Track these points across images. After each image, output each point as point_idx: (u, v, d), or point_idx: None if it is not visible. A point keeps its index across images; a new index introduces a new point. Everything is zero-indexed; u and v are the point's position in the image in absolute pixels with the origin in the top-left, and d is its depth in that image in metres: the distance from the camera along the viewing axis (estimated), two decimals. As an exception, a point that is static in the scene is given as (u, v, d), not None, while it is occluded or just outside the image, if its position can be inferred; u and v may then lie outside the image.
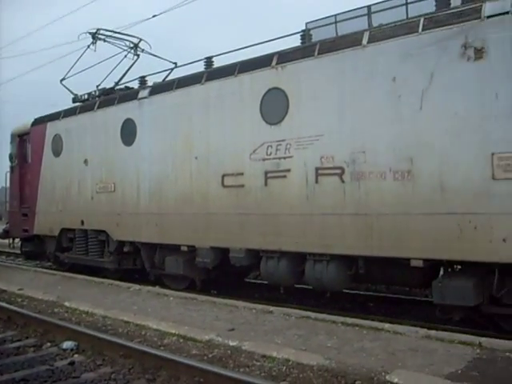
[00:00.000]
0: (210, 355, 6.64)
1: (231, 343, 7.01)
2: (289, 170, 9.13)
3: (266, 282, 11.23)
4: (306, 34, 9.75)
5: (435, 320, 8.42)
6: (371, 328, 7.43)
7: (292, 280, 9.72)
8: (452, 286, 7.49)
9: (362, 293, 11.42)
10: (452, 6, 7.97)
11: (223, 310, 8.88)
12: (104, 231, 13.29)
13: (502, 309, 7.60)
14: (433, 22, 7.74)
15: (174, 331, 7.67)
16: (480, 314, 7.97)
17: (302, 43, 9.72)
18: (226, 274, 11.72)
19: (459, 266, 7.98)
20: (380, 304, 10.58)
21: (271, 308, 8.82)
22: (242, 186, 9.87)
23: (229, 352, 6.71)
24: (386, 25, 8.37)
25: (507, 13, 7.04)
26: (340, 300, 10.60)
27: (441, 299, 7.63)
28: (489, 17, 7.19)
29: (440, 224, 7.39)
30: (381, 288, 11.61)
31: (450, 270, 8.08)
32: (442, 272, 8.17)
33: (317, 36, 9.58)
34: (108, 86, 14.52)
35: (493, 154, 7.00)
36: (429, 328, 7.37)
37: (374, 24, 8.81)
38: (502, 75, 7.02)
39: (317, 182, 8.74)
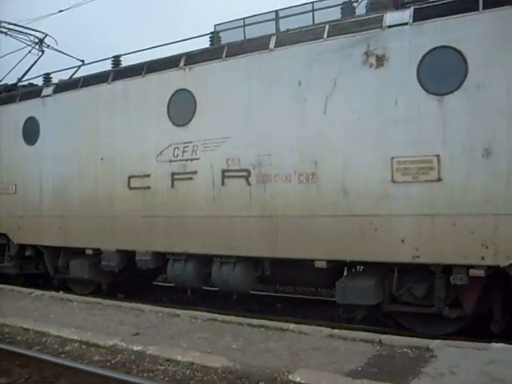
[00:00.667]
0: (113, 361, 6.47)
1: (135, 348, 6.85)
2: (195, 172, 9.09)
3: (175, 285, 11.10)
4: (214, 36, 9.76)
5: (340, 319, 8.65)
6: (277, 329, 7.49)
7: (199, 282, 9.68)
8: (354, 286, 7.72)
9: (270, 294, 11.53)
10: (357, 14, 8.23)
11: (129, 315, 8.69)
12: (4, 234, 12.68)
13: (401, 306, 7.89)
14: (337, 29, 7.95)
15: (76, 337, 7.40)
16: (381, 313, 8.26)
17: (210, 45, 9.71)
18: (134, 278, 11.51)
19: (362, 267, 8.20)
20: (288, 305, 10.73)
21: (178, 311, 8.71)
22: (149, 187, 9.73)
23: (133, 357, 6.56)
24: (293, 30, 8.51)
25: (406, 24, 7.35)
26: (248, 301, 10.66)
27: (343, 299, 7.84)
28: (390, 26, 7.48)
29: (343, 226, 7.60)
30: (289, 289, 11.78)
31: (353, 270, 8.31)
32: (345, 273, 8.38)
33: (226, 38, 9.61)
34: (10, 83, 13.86)
35: (392, 158, 7.29)
36: (333, 327, 7.52)
37: (282, 29, 8.94)
38: (401, 82, 7.32)
39: (223, 184, 8.75)
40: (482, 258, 6.84)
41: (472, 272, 6.97)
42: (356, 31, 7.73)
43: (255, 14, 9.53)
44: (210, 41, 9.82)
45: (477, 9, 6.95)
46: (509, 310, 7.54)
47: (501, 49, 6.78)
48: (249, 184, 8.48)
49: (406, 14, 7.43)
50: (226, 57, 8.92)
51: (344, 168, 7.64)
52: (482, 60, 6.88)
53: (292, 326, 7.58)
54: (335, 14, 8.49)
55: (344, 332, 7.21)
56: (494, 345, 6.46)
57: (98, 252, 10.70)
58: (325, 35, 7.98)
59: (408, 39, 7.33)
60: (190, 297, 10.44)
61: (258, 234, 8.39)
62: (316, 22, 8.54)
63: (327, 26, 8.05)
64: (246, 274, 8.93)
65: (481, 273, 6.92)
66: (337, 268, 8.23)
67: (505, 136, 6.72)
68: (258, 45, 8.64)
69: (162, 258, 9.82)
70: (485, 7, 6.91)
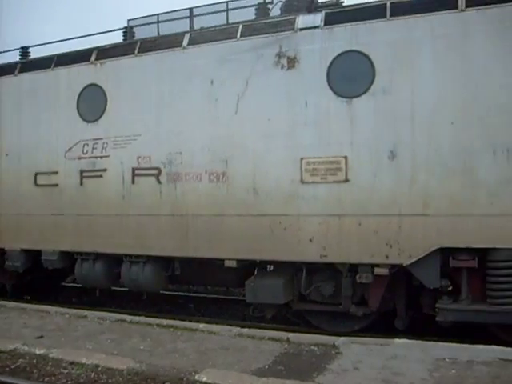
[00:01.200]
0: (13, 366, 6.20)
1: (38, 351, 6.59)
2: (105, 170, 8.87)
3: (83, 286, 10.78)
4: (127, 32, 9.56)
5: (252, 318, 8.69)
6: (186, 329, 7.44)
7: (108, 282, 9.45)
8: (263, 286, 7.77)
9: (181, 294, 11.42)
10: (271, 15, 8.28)
11: (33, 317, 8.35)
12: None
13: (309, 305, 8.03)
14: (251, 29, 7.99)
15: (-28, 343, 7.04)
16: (291, 311, 8.39)
17: (123, 40, 9.50)
18: (42, 279, 11.07)
19: (272, 266, 8.27)
20: (200, 305, 10.67)
21: (85, 312, 8.46)
22: (56, 185, 9.39)
23: (34, 361, 6.31)
24: (207, 28, 8.47)
25: (318, 27, 7.47)
26: (158, 302, 10.51)
27: (253, 298, 7.89)
28: (302, 29, 7.59)
29: (253, 225, 7.64)
30: (201, 289, 11.71)
31: (264, 270, 8.36)
32: (256, 272, 8.42)
33: (139, 34, 9.42)
34: None
35: (302, 159, 7.39)
36: (242, 326, 7.56)
37: (196, 27, 8.87)
38: (311, 84, 7.43)
39: (133, 182, 8.58)
40: (387, 256, 7.07)
41: (377, 271, 7.18)
42: (269, 32, 7.80)
43: (169, 10, 9.43)
44: (123, 36, 9.61)
45: (384, 16, 7.18)
46: (412, 306, 7.83)
47: (406, 56, 7.03)
48: (159, 182, 8.36)
49: (318, 18, 7.57)
50: (138, 53, 8.76)
51: (254, 168, 7.69)
52: (389, 65, 7.10)
53: (202, 325, 7.55)
54: (249, 14, 8.52)
55: (253, 331, 7.25)
56: (397, 340, 6.69)
57: (1, 252, 10.23)
58: (238, 35, 8.00)
59: (319, 42, 7.46)
60: (99, 298, 10.17)
61: (169, 233, 8.29)
62: (230, 21, 8.53)
63: (240, 26, 8.07)
64: (157, 274, 8.79)
65: (385, 271, 7.15)
66: (247, 267, 8.26)
67: (409, 139, 6.97)
68: (171, 42, 8.54)
69: (70, 257, 9.50)
70: (392, 15, 7.14)
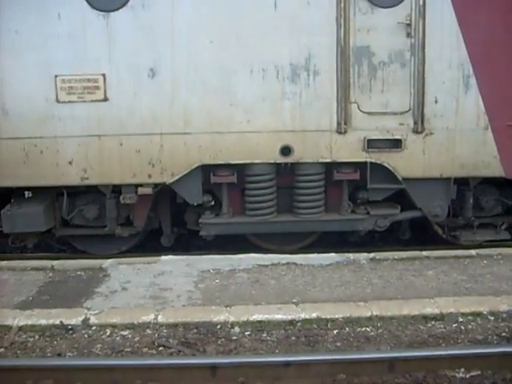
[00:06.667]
0: None
1: None
2: None
3: None
4: None
5: (13, 249, 8.18)
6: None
7: None
8: (21, 214, 7.26)
9: None
10: None
11: None
12: None
13: (73, 230, 7.79)
14: None
15: None
16: (55, 238, 8.06)
17: None
18: None
19: (30, 193, 7.76)
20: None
21: None
22: None
23: None
24: None
25: None
26: None
27: (11, 228, 7.35)
28: None
29: (4, 150, 6.99)
30: None
31: (21, 197, 7.80)
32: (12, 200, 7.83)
33: None
34: None
35: (56, 76, 6.88)
36: (1, 259, 7.07)
37: None
38: None
39: None
40: (149, 176, 7.06)
41: (140, 190, 7.15)
42: None
43: None
44: None
45: None
46: (176, 223, 8.04)
47: None
48: None
49: None
50: None
51: (2, 86, 6.92)
52: None
53: None
54: None
55: (13, 263, 6.86)
56: (163, 258, 6.88)
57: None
58: None
59: None
60: None
61: None
62: None
63: None
64: None
65: (149, 191, 7.15)
66: (2, 196, 7.64)
67: (170, 57, 6.88)
68: None
69: None
70: None
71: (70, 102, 6.90)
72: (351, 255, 6.78)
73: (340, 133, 7.01)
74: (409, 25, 6.85)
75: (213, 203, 7.44)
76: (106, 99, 6.92)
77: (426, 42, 6.89)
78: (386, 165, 7.08)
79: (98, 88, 6.89)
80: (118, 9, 6.84)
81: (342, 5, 6.78)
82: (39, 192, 7.43)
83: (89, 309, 5.38)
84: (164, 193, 7.46)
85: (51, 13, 6.84)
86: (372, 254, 6.80)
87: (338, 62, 6.89)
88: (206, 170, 7.15)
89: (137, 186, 7.16)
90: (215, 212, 7.44)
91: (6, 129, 6.98)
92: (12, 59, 6.91)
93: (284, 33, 6.86)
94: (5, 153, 7.02)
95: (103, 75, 6.88)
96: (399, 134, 7.04)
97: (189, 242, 8.46)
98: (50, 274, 6.44)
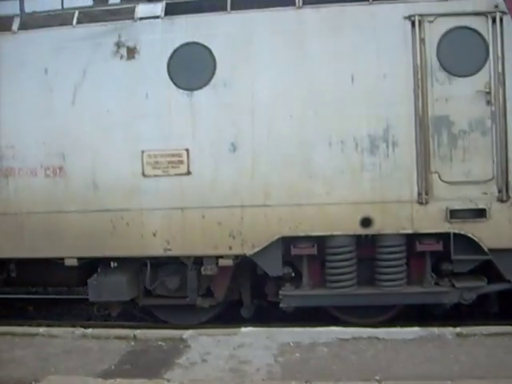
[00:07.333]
0: None
1: None
2: None
3: None
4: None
5: (97, 317, 8.40)
6: (25, 334, 6.94)
7: None
8: (106, 283, 7.52)
9: (19, 297, 10.70)
10: (110, 2, 7.99)
11: None
12: None
13: (155, 300, 7.93)
14: (88, 16, 7.64)
15: None
16: (137, 307, 8.22)
17: None
18: None
19: (115, 263, 8.02)
20: (40, 306, 10.08)
21: None
22: None
23: None
24: (40, 13, 7.94)
25: (158, 17, 7.35)
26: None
27: (97, 297, 7.61)
28: (142, 18, 7.42)
29: (93, 221, 7.35)
30: (40, 290, 11.09)
31: (107, 267, 8.07)
32: (99, 269, 8.12)
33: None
34: None
35: (143, 152, 7.24)
36: (86, 327, 7.26)
37: (27, 10, 8.27)
38: (151, 76, 7.30)
39: None
40: (230, 247, 7.17)
41: (221, 262, 7.26)
42: (107, 20, 7.50)
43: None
44: None
45: (225, 9, 7.24)
46: (256, 295, 8.04)
47: (246, 49, 7.15)
48: (-9, 179, 7.72)
49: (158, 8, 7.44)
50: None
51: (94, 161, 7.37)
52: (229, 59, 7.18)
53: (42, 329, 7.10)
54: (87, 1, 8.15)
55: (98, 331, 6.99)
56: (243, 329, 6.80)
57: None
58: (74, 22, 7.59)
59: (159, 33, 7.34)
60: None
61: (2, 233, 7.71)
62: (65, 6, 8.06)
63: (77, 13, 7.67)
64: (-12, 278, 8.15)
65: (229, 262, 7.25)
66: (90, 265, 7.93)
67: (249, 132, 7.11)
68: (-1, 25, 7.89)
69: None
70: (232, 8, 7.23)
71: (155, 176, 7.23)
72: (436, 329, 6.49)
73: (421, 203, 6.90)
74: (488, 93, 6.79)
75: (293, 275, 7.40)
76: (188, 173, 7.18)
77: (507, 109, 6.80)
78: (470, 235, 6.86)
79: (181, 162, 7.19)
80: (201, 87, 7.21)
81: (419, 76, 6.84)
82: (124, 262, 7.69)
83: (169, 380, 5.37)
84: (244, 264, 7.51)
85: (139, 93, 7.30)
86: (458, 329, 6.47)
87: (417, 133, 6.88)
88: (286, 241, 7.17)
89: (217, 257, 7.28)
90: (295, 284, 7.39)
91: (96, 201, 7.36)
92: (102, 136, 7.36)
93: (361, 105, 6.96)
94: (93, 224, 7.37)
95: (187, 150, 7.19)
96: (483, 204, 6.84)
97: (269, 314, 8.39)
98: (132, 343, 6.50)
